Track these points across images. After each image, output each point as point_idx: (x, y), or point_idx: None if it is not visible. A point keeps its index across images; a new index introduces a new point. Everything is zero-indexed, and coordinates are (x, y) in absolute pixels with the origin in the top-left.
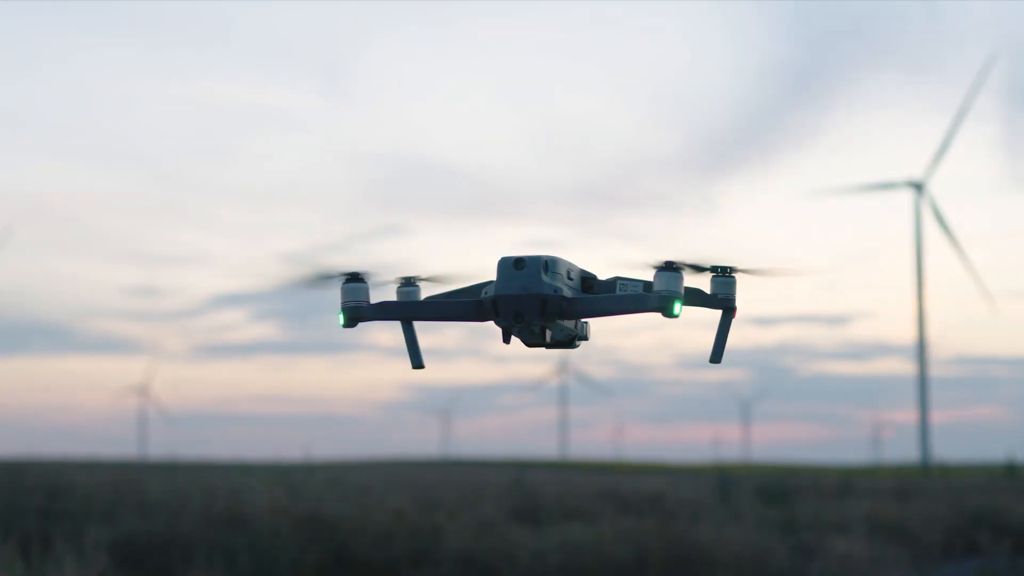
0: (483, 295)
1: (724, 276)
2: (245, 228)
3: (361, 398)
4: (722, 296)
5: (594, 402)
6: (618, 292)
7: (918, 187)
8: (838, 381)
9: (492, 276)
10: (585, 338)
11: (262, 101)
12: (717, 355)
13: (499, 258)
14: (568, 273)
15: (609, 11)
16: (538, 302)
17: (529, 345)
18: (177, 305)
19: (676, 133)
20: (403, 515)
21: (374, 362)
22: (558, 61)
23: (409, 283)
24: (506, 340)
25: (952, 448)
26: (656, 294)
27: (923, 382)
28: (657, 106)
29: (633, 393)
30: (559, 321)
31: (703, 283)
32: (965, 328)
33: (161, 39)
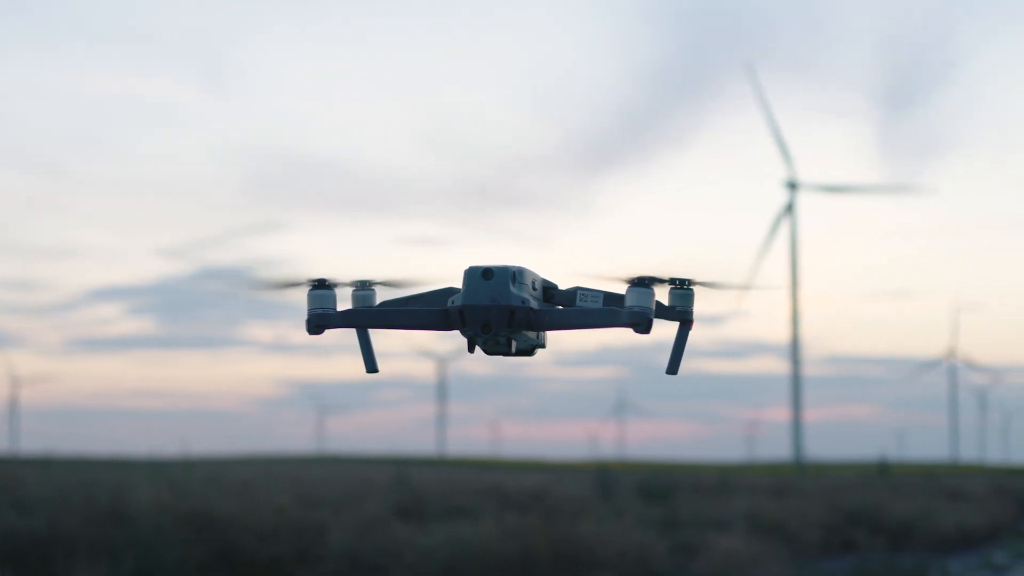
0: (450, 304)
1: (682, 289)
2: (122, 221)
3: (237, 393)
4: (680, 308)
5: (472, 399)
6: (578, 303)
7: (793, 186)
8: (713, 379)
9: (447, 283)
10: (543, 346)
11: (140, 93)
12: (674, 367)
13: (466, 267)
14: (533, 283)
15: (492, 8)
16: (507, 313)
17: (491, 354)
18: (51, 299)
19: (557, 132)
20: (286, 512)
21: (250, 357)
22: (440, 57)
23: (364, 287)
24: (471, 349)
25: (824, 446)
26: (628, 310)
27: (796, 381)
28: (539, 104)
29: (510, 390)
30: (524, 332)
31: (661, 295)
32: (838, 327)
33: (37, 29)
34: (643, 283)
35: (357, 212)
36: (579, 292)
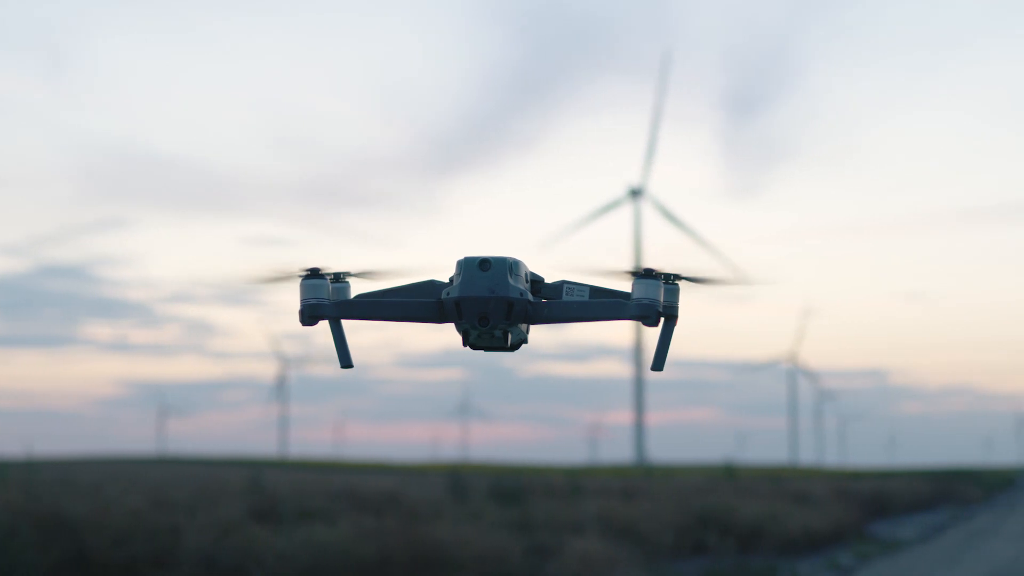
0: (444, 295)
1: (668, 284)
2: None
3: (76, 393)
4: (666, 304)
5: (313, 400)
6: (565, 296)
7: (636, 193)
8: (557, 382)
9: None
10: (527, 341)
11: None
12: (659, 363)
13: (461, 258)
14: (526, 276)
15: (342, 10)
16: (505, 305)
17: (479, 348)
18: None
19: (405, 133)
20: (141, 515)
21: (90, 356)
22: (289, 57)
23: (338, 279)
24: (466, 342)
25: (666, 448)
26: (636, 302)
27: (639, 384)
28: (387, 106)
29: (353, 392)
30: (518, 325)
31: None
32: (680, 331)
33: None
34: (650, 275)
35: (202, 211)
36: (565, 286)
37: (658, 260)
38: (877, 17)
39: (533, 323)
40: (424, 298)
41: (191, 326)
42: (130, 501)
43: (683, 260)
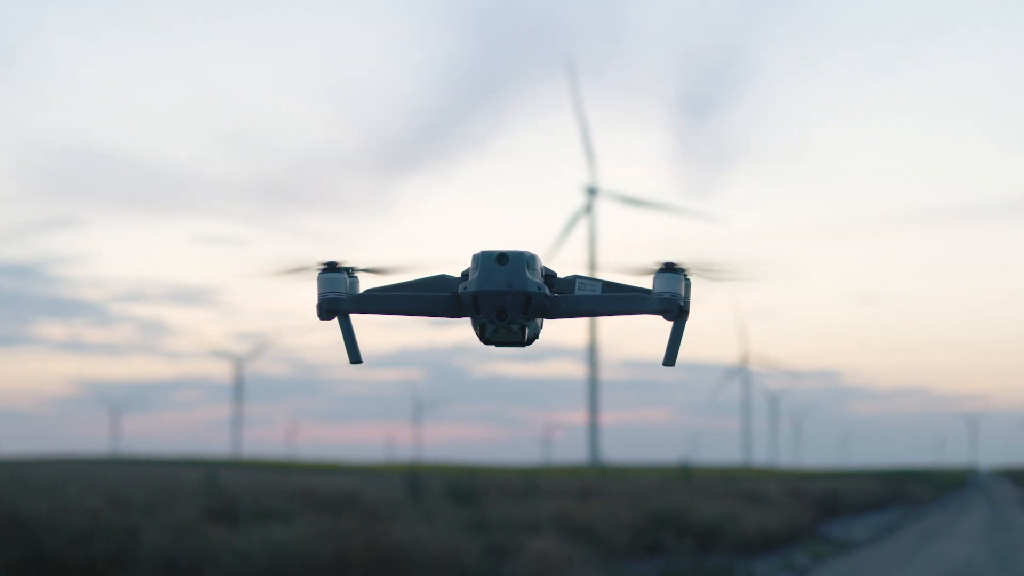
0: (461, 290)
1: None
2: None
3: (27, 392)
4: None
5: (268, 400)
6: (577, 291)
7: (593, 191)
8: (511, 382)
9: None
10: (537, 336)
11: None
12: (671, 359)
13: (477, 252)
14: (540, 271)
15: (293, 9)
16: (523, 299)
17: (493, 343)
18: None
19: (356, 132)
20: (99, 515)
21: (42, 356)
22: (241, 57)
23: (348, 274)
24: (482, 338)
25: (620, 449)
26: (657, 296)
27: (593, 384)
28: (338, 105)
29: (307, 392)
30: (534, 319)
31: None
32: (635, 332)
33: None
34: (672, 269)
35: (154, 210)
36: (578, 280)
37: (634, 257)
38: (830, 17)
39: (550, 317)
40: (435, 293)
41: (144, 326)
42: (88, 501)
43: (680, 257)
